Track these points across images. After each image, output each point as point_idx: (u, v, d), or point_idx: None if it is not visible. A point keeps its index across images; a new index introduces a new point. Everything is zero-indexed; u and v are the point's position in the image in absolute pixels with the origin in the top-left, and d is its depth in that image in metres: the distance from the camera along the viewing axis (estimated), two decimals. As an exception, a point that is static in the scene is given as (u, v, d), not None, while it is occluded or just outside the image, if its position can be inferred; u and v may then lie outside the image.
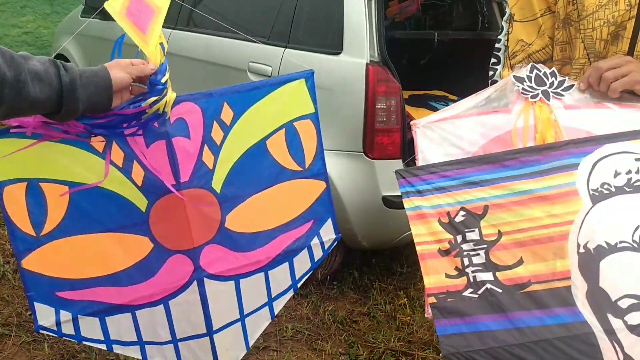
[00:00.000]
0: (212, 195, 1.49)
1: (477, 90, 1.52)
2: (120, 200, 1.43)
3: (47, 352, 2.46)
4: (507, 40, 1.66)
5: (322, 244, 1.69)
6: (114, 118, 1.32)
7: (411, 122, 1.51)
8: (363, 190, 2.82)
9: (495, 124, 1.46)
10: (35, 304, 1.40)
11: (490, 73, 1.73)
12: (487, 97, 1.50)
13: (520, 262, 1.32)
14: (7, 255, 3.18)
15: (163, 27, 1.41)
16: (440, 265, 1.34)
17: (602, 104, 1.43)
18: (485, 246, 1.34)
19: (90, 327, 1.46)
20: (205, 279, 1.52)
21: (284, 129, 1.56)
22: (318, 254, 1.69)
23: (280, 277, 1.64)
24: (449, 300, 1.31)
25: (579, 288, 1.28)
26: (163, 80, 1.36)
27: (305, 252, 1.66)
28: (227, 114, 1.49)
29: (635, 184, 1.32)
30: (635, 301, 1.26)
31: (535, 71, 1.45)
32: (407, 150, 2.74)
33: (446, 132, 1.48)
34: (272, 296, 1.65)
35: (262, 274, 1.60)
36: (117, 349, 1.51)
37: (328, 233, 1.69)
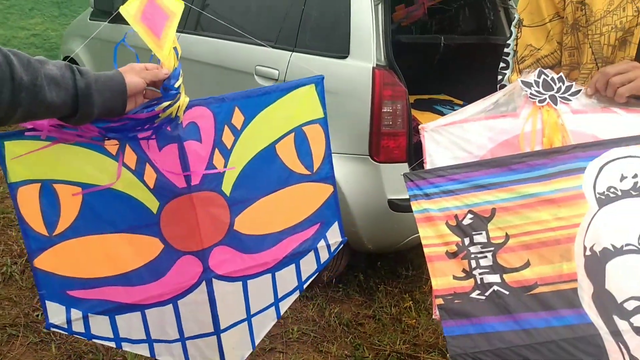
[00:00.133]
0: (222, 198, 1.51)
1: (483, 94, 1.54)
2: (132, 202, 1.44)
3: (55, 352, 2.48)
4: (516, 45, 1.67)
5: (328, 246, 1.71)
6: (128, 122, 1.34)
7: (419, 126, 1.53)
8: (369, 193, 2.84)
9: (503, 128, 1.47)
10: (47, 302, 1.42)
11: (499, 77, 1.75)
12: (495, 101, 1.52)
13: (527, 265, 1.33)
14: (14, 257, 3.21)
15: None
16: (448, 268, 1.35)
17: (609, 108, 1.44)
18: (492, 249, 1.35)
19: (100, 325, 1.48)
20: (213, 279, 1.54)
21: (293, 133, 1.58)
22: (324, 256, 1.71)
23: (287, 278, 1.66)
24: (456, 301, 1.33)
25: (585, 290, 1.29)
26: (176, 85, 1.38)
27: (311, 254, 1.68)
28: (238, 118, 1.51)
29: None
30: (641, 303, 1.27)
31: (542, 76, 1.47)
32: (413, 153, 2.75)
33: (454, 136, 1.50)
34: (279, 297, 1.67)
35: (269, 275, 1.63)
36: (125, 346, 1.53)
37: (334, 236, 1.71)
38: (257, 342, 1.68)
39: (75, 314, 1.45)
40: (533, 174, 1.38)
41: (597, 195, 1.34)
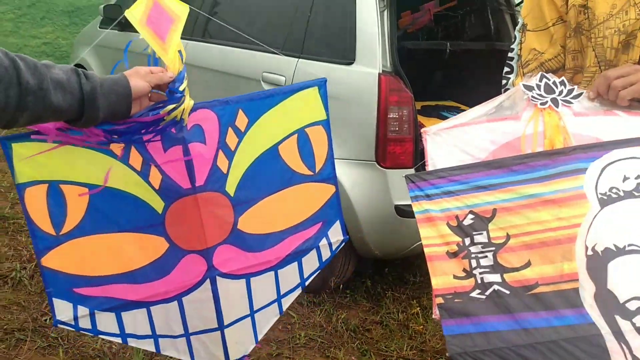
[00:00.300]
0: (226, 198, 1.54)
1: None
2: (137, 203, 1.47)
3: (62, 357, 2.50)
4: (520, 49, 1.69)
5: (330, 244, 1.73)
6: (133, 125, 1.38)
7: (421, 130, 1.55)
8: (375, 199, 2.85)
9: (504, 130, 1.48)
10: (54, 299, 1.44)
11: (504, 82, 1.76)
12: (497, 105, 1.53)
13: (527, 265, 1.33)
14: (23, 262, 3.24)
15: (180, 37, 1.46)
16: (448, 267, 1.36)
17: (611, 111, 1.45)
18: (493, 249, 1.36)
19: (106, 321, 1.51)
20: (217, 277, 1.56)
21: (296, 135, 1.61)
22: (326, 254, 1.73)
23: (289, 275, 1.68)
24: (456, 301, 1.33)
25: (587, 290, 1.29)
26: (181, 88, 1.41)
27: (314, 252, 1.70)
28: (241, 120, 1.54)
29: None
30: (643, 303, 1.27)
31: (544, 80, 1.48)
32: (419, 159, 2.76)
33: (456, 139, 1.51)
34: (281, 293, 1.69)
35: (272, 273, 1.65)
36: (131, 342, 1.56)
37: (336, 234, 1.74)
38: (260, 337, 1.71)
39: (82, 311, 1.48)
40: (534, 174, 1.38)
41: (599, 196, 1.34)
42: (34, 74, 1.15)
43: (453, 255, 1.37)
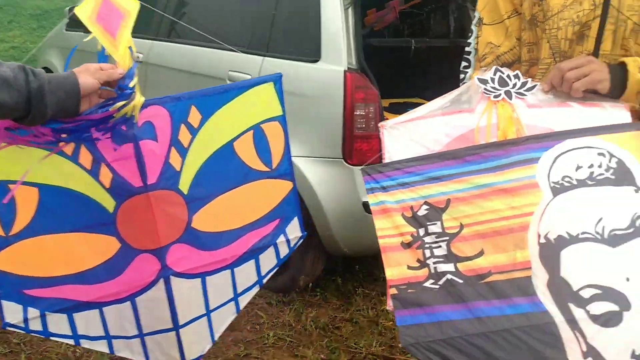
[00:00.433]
0: (179, 196, 1.52)
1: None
2: (88, 202, 1.44)
3: (25, 362, 2.45)
4: (477, 43, 1.69)
5: (288, 241, 1.72)
6: (82, 122, 1.35)
7: (379, 124, 1.55)
8: (343, 196, 2.84)
9: (459, 123, 1.49)
10: (3, 301, 1.41)
11: (462, 76, 1.76)
12: (453, 98, 1.53)
13: (481, 253, 1.33)
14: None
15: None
16: (403, 258, 1.35)
17: (565, 103, 1.45)
18: (447, 238, 1.36)
19: (57, 323, 1.48)
20: (171, 277, 1.54)
21: (252, 131, 1.60)
22: (284, 251, 1.72)
23: (246, 273, 1.67)
24: (409, 291, 1.33)
25: (540, 278, 1.30)
26: (131, 85, 1.40)
27: (271, 249, 1.69)
28: (194, 116, 1.52)
29: (598, 178, 1.34)
30: (597, 291, 1.27)
31: (498, 73, 1.48)
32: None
33: (412, 132, 1.51)
34: (238, 292, 1.68)
35: (228, 271, 1.63)
36: (84, 343, 1.53)
37: (294, 231, 1.73)
38: (216, 336, 1.70)
39: (33, 312, 1.44)
40: (487, 165, 1.38)
41: (552, 185, 1.35)
42: None
43: (407, 245, 1.37)
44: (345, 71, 2.75)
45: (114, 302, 1.51)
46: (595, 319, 1.25)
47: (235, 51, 2.99)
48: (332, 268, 3.29)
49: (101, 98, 1.38)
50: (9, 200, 1.39)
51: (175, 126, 1.49)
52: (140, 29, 4.07)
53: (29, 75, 1.23)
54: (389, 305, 1.35)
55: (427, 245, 1.36)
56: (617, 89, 1.40)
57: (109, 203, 1.45)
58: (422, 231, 1.37)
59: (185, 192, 1.52)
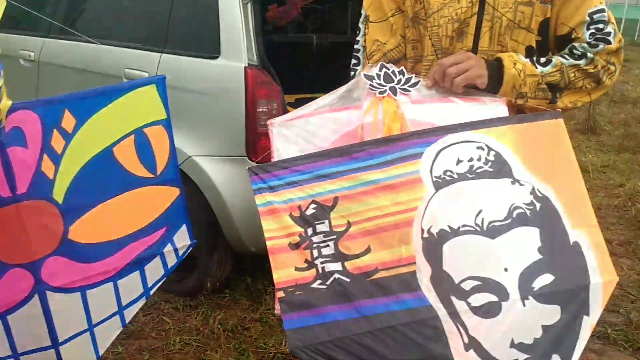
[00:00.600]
0: (53, 206, 1.43)
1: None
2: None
3: None
4: (365, 41, 1.70)
5: (176, 250, 1.66)
6: None
7: (268, 122, 1.52)
8: (248, 195, 2.73)
9: (346, 119, 1.49)
10: None
11: (352, 74, 1.77)
12: (340, 95, 1.54)
13: (368, 251, 1.33)
14: None
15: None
16: (290, 259, 1.33)
17: (447, 98, 1.48)
18: (334, 237, 1.35)
19: None
20: (47, 292, 1.45)
21: (133, 135, 1.53)
22: (172, 260, 1.66)
23: (131, 285, 1.59)
24: (297, 293, 1.31)
25: (424, 272, 1.31)
26: None
27: (157, 259, 1.62)
28: (68, 121, 1.44)
29: (477, 171, 1.37)
30: (478, 283, 1.30)
31: (384, 69, 1.50)
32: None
33: (300, 129, 1.50)
34: (123, 305, 1.60)
35: (110, 284, 1.56)
36: None
37: (183, 239, 1.66)
38: (101, 352, 1.61)
39: None
40: (373, 161, 1.39)
41: (434, 179, 1.37)
42: None
43: (295, 246, 1.35)
44: (245, 67, 2.69)
45: (-18, 321, 1.40)
46: (475, 310, 1.28)
47: (131, 48, 2.87)
48: (241, 268, 3.24)
49: None
50: None
51: (47, 132, 1.41)
52: (31, 26, 3.83)
53: None
54: (277, 309, 1.32)
55: (315, 245, 1.35)
56: (495, 84, 1.45)
57: (-27, 215, 1.34)
58: (310, 231, 1.36)
59: (60, 202, 1.43)
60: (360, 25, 1.71)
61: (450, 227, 1.33)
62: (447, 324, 1.29)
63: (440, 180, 1.36)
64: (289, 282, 1.32)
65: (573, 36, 1.47)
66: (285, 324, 1.29)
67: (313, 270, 1.32)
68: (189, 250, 1.68)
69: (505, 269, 1.30)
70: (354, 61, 1.75)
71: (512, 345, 1.28)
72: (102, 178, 1.49)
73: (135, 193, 1.54)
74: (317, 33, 3.59)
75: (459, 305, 1.29)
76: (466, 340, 1.28)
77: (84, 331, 1.54)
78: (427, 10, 1.55)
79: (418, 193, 1.35)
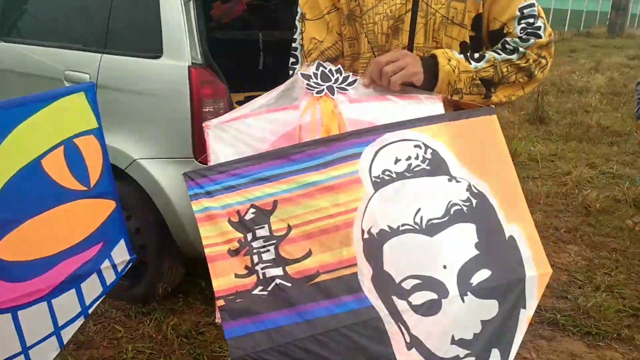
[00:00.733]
0: None
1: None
2: None
3: None
4: (302, 39, 1.68)
5: (114, 266, 1.60)
6: None
7: (203, 124, 1.49)
8: (198, 196, 2.74)
9: (283, 120, 1.47)
10: None
11: (290, 73, 1.74)
12: (277, 95, 1.51)
13: (309, 254, 1.32)
14: None
15: None
16: (230, 266, 1.31)
17: (384, 96, 1.48)
18: (275, 241, 1.33)
19: None
20: None
21: (62, 146, 1.47)
22: (110, 277, 1.60)
23: (67, 304, 1.53)
24: (238, 301, 1.28)
25: (365, 274, 1.31)
26: None
27: (94, 276, 1.57)
28: None
29: (415, 169, 1.37)
30: (418, 281, 1.31)
31: (321, 68, 1.48)
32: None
33: (237, 131, 1.47)
34: (59, 325, 1.53)
35: (44, 304, 1.49)
36: None
37: (121, 255, 1.61)
38: None
39: None
40: (312, 163, 1.37)
41: (373, 179, 1.36)
42: None
43: (235, 253, 1.32)
44: (189, 67, 2.64)
45: None
46: (416, 309, 1.28)
47: (71, 49, 2.78)
48: (194, 271, 3.18)
49: None
50: None
51: None
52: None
53: None
54: (218, 318, 1.29)
55: (255, 251, 1.32)
56: (431, 80, 1.45)
57: None
58: (249, 236, 1.33)
59: None
60: (297, 23, 1.69)
61: (390, 226, 1.33)
62: (389, 324, 1.28)
63: (379, 180, 1.36)
64: (229, 290, 1.29)
65: (505, 31, 1.49)
66: (226, 333, 1.26)
67: (254, 277, 1.30)
68: (129, 266, 1.62)
69: (444, 266, 1.30)
70: (292, 60, 1.73)
71: (453, 341, 1.28)
72: (31, 192, 1.43)
73: (67, 207, 1.48)
74: (263, 30, 3.54)
75: (400, 304, 1.29)
76: (408, 339, 1.28)
77: (18, 354, 1.47)
78: (362, 8, 1.54)
79: (357, 194, 1.34)
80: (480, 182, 1.36)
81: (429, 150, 1.37)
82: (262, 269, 1.31)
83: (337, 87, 1.47)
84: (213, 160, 1.45)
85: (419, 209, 1.34)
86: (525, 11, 1.46)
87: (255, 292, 1.29)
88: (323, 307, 1.28)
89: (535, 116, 6.86)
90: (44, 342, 1.51)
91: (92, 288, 1.56)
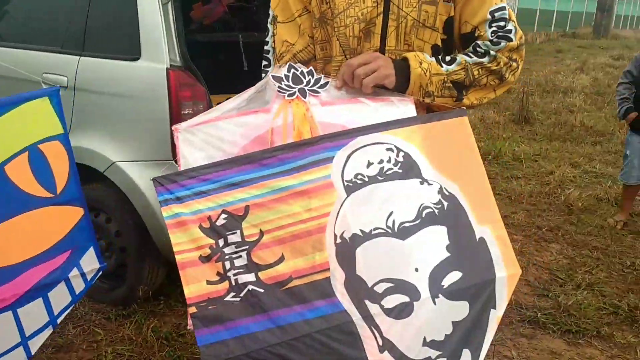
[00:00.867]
0: None
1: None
2: None
3: None
4: (274, 42, 1.67)
5: (83, 275, 1.58)
6: None
7: (172, 127, 1.47)
8: (177, 199, 2.72)
9: (255, 123, 1.45)
10: None
11: (263, 75, 1.73)
12: (248, 97, 1.50)
13: (281, 260, 1.31)
14: None
15: None
16: (202, 273, 1.29)
17: (356, 99, 1.47)
18: (247, 247, 1.32)
19: None
20: None
21: (26, 152, 1.45)
22: (79, 286, 1.57)
23: (34, 314, 1.50)
24: (210, 307, 1.27)
25: (338, 278, 1.30)
26: None
27: (62, 285, 1.54)
28: None
29: (387, 173, 1.37)
30: (390, 285, 1.30)
31: (292, 70, 1.47)
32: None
33: (207, 135, 1.46)
34: (27, 335, 1.50)
35: (9, 313, 1.46)
36: None
37: (90, 263, 1.59)
38: None
39: None
40: (284, 167, 1.36)
41: (345, 183, 1.35)
42: None
43: (206, 259, 1.31)
44: (167, 69, 2.62)
45: None
46: (389, 312, 1.28)
47: (49, 51, 2.75)
48: (175, 274, 3.16)
49: None
50: None
51: None
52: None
53: None
54: (190, 325, 1.28)
55: (227, 257, 1.31)
56: (403, 83, 1.45)
57: None
58: (221, 242, 1.32)
59: None
60: (269, 25, 1.68)
61: (362, 230, 1.32)
62: (362, 328, 1.28)
63: (351, 184, 1.36)
64: (201, 297, 1.28)
65: (476, 34, 1.49)
66: (198, 340, 1.25)
67: (226, 283, 1.29)
68: (98, 275, 1.60)
69: (416, 269, 1.30)
70: (264, 63, 1.72)
71: (425, 343, 1.29)
72: None
73: (33, 214, 1.45)
74: (243, 32, 3.53)
75: (373, 308, 1.29)
76: (381, 343, 1.28)
77: None
78: (334, 11, 1.54)
79: (330, 198, 1.34)
80: (452, 184, 1.36)
81: (401, 153, 1.37)
82: (234, 275, 1.30)
83: (308, 90, 1.46)
84: (183, 165, 1.44)
85: (391, 213, 1.34)
86: (496, 14, 1.46)
87: (228, 298, 1.28)
88: (296, 313, 1.27)
89: (520, 116, 6.91)
90: (11, 352, 1.49)
91: (60, 297, 1.53)
